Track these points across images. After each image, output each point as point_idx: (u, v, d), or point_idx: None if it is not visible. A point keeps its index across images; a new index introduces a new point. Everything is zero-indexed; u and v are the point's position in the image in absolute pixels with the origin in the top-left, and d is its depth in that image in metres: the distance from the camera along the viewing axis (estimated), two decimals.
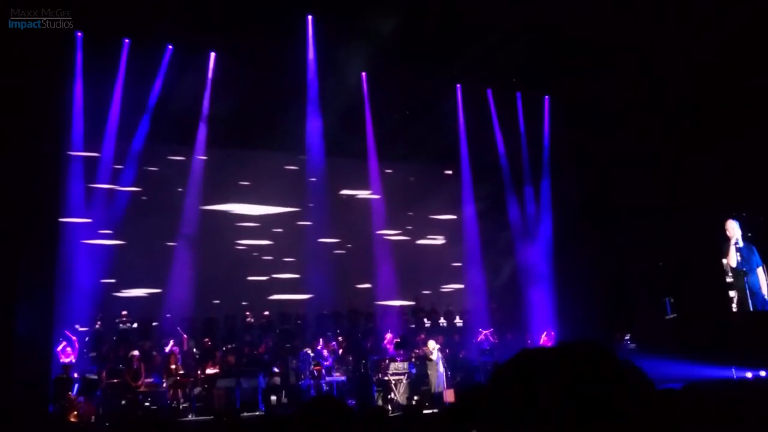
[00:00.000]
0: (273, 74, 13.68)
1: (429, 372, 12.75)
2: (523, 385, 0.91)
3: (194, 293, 13.75)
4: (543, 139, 16.37)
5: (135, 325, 13.31)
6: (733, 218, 11.49)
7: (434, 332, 14.60)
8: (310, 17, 13.79)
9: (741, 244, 11.32)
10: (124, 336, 12.90)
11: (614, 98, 13.69)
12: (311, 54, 13.96)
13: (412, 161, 16.86)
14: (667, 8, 12.17)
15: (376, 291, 15.63)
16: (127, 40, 12.85)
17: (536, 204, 16.41)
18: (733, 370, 10.67)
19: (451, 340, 14.67)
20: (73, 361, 11.11)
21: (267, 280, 15.36)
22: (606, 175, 14.60)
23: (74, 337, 11.35)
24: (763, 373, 10.11)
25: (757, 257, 11.33)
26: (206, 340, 13.10)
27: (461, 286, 16.88)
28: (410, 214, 17.07)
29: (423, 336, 14.25)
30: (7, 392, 9.33)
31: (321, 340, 13.24)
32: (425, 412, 10.50)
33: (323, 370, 12.41)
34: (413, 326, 15.27)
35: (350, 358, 13.06)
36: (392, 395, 12.35)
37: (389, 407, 11.87)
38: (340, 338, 13.98)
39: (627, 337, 14.17)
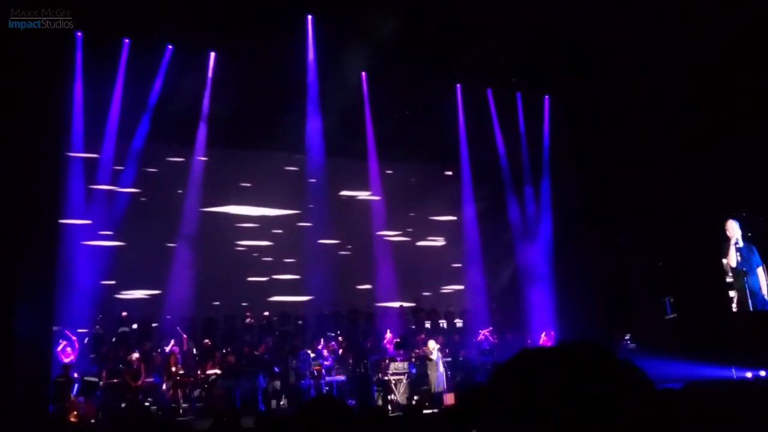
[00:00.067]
0: (273, 74, 13.68)
1: (429, 372, 12.75)
2: (523, 385, 0.91)
3: (194, 294, 13.74)
4: (543, 139, 16.37)
5: (135, 326, 13.31)
6: (733, 218, 11.49)
7: (434, 333, 14.60)
8: (310, 17, 13.78)
9: (741, 244, 11.31)
10: (124, 338, 12.90)
11: (614, 98, 13.69)
12: (311, 54, 13.95)
13: (412, 161, 16.87)
14: (667, 8, 12.17)
15: (376, 292, 15.63)
16: (127, 40, 12.85)
17: (536, 204, 16.40)
18: (733, 370, 10.66)
19: (451, 340, 14.68)
20: (73, 361, 11.10)
21: (267, 281, 15.37)
22: (606, 175, 14.60)
23: (74, 337, 11.35)
24: (763, 373, 10.11)
25: (757, 257, 11.32)
26: (206, 341, 13.11)
27: (461, 287, 16.89)
28: (411, 215, 17.08)
29: (423, 336, 14.25)
30: (7, 392, 9.32)
31: (321, 340, 13.24)
32: (425, 412, 10.49)
33: (323, 370, 12.41)
34: (413, 327, 15.27)
35: (350, 358, 13.06)
36: (392, 395, 12.35)
37: (389, 407, 11.86)
38: (340, 338, 13.98)
39: (627, 337, 14.17)
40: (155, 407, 11.51)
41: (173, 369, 11.63)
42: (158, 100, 13.38)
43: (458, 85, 15.88)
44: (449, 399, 11.81)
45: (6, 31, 9.95)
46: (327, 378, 12.41)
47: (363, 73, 14.88)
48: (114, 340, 12.84)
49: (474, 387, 4.32)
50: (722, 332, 11.90)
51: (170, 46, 13.27)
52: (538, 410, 0.87)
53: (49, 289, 10.56)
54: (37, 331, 10.06)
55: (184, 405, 11.63)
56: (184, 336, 12.86)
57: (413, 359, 13.15)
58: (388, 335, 13.86)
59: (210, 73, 13.83)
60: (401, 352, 13.16)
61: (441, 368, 12.72)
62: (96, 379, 11.21)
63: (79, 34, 12.27)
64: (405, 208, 16.83)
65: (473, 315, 15.76)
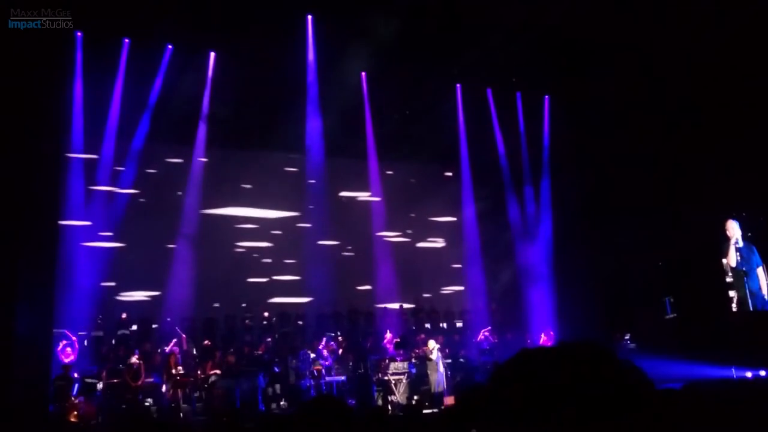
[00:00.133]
0: (273, 74, 13.68)
1: (429, 372, 12.75)
2: (523, 385, 0.91)
3: (194, 295, 13.74)
4: (543, 139, 16.37)
5: (135, 327, 13.30)
6: (733, 218, 11.46)
7: (434, 334, 14.60)
8: (310, 17, 13.78)
9: (741, 244, 11.29)
10: (124, 339, 12.90)
11: (614, 98, 13.68)
12: (311, 54, 13.95)
13: (412, 162, 16.86)
14: (667, 8, 12.17)
15: (376, 293, 15.63)
16: (127, 40, 12.85)
17: (536, 204, 16.40)
18: (733, 370, 10.65)
19: (451, 341, 14.68)
20: (73, 361, 11.10)
21: (267, 281, 15.36)
22: (606, 175, 14.59)
23: (74, 338, 11.35)
24: (763, 373, 10.10)
25: (757, 257, 11.30)
26: (206, 341, 13.10)
27: (461, 288, 16.88)
28: (411, 215, 17.07)
29: (423, 336, 14.25)
30: (7, 392, 9.31)
31: (322, 340, 13.24)
32: (425, 412, 10.49)
33: (323, 370, 12.41)
34: (413, 327, 15.27)
35: (350, 359, 13.06)
36: (392, 395, 12.35)
37: (389, 407, 11.86)
38: (340, 338, 13.98)
39: (627, 337, 14.16)
40: (155, 407, 11.50)
41: (173, 369, 11.63)
42: (158, 100, 13.38)
43: (458, 85, 15.88)
44: (449, 401, 11.79)
45: (6, 31, 9.95)
46: (327, 378, 12.41)
47: (363, 73, 14.88)
48: (114, 342, 12.83)
49: (474, 387, 4.31)
50: (722, 332, 11.88)
51: (170, 46, 13.27)
52: (538, 410, 0.87)
53: (49, 289, 10.55)
54: (37, 332, 10.05)
55: (184, 405, 11.62)
56: (184, 336, 12.86)
57: (413, 359, 13.15)
58: (388, 335, 13.86)
59: (210, 73, 13.84)
60: (401, 352, 13.16)
61: (441, 368, 12.72)
62: (96, 379, 11.20)
63: (79, 34, 12.28)
64: (405, 209, 16.83)
65: (473, 315, 15.76)
